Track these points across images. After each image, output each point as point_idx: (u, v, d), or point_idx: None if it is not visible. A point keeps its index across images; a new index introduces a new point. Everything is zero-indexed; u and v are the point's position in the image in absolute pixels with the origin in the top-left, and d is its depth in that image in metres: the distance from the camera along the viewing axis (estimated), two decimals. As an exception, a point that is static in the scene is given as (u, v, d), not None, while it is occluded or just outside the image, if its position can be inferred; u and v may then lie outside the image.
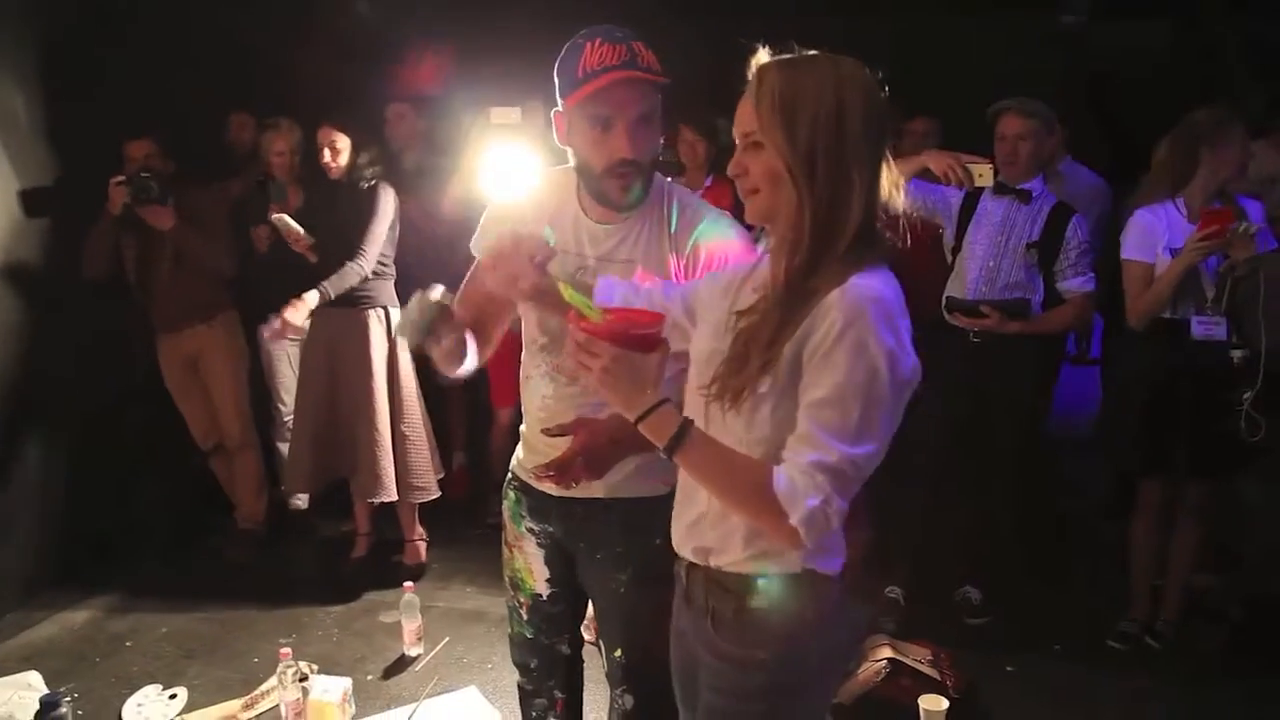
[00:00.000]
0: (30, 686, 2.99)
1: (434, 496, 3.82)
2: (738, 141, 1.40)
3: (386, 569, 3.82)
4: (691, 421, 1.34)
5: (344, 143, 3.61)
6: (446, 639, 3.35)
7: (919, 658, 2.92)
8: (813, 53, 1.38)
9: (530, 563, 1.97)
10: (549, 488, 1.81)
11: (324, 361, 3.70)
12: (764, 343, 1.34)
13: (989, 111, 3.20)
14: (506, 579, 2.04)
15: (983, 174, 3.12)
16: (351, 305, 3.62)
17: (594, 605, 1.95)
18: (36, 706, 2.66)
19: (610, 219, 1.77)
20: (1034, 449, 3.40)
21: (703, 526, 1.47)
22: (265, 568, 3.95)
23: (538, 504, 1.91)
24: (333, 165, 3.62)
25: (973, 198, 3.27)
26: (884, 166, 1.38)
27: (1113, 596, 3.39)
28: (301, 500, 4.32)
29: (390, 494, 3.69)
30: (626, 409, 1.34)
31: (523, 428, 1.96)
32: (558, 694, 2.07)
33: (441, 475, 3.88)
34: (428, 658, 3.26)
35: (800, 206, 1.33)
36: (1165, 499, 3.18)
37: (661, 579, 1.62)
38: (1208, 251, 2.85)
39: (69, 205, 3.70)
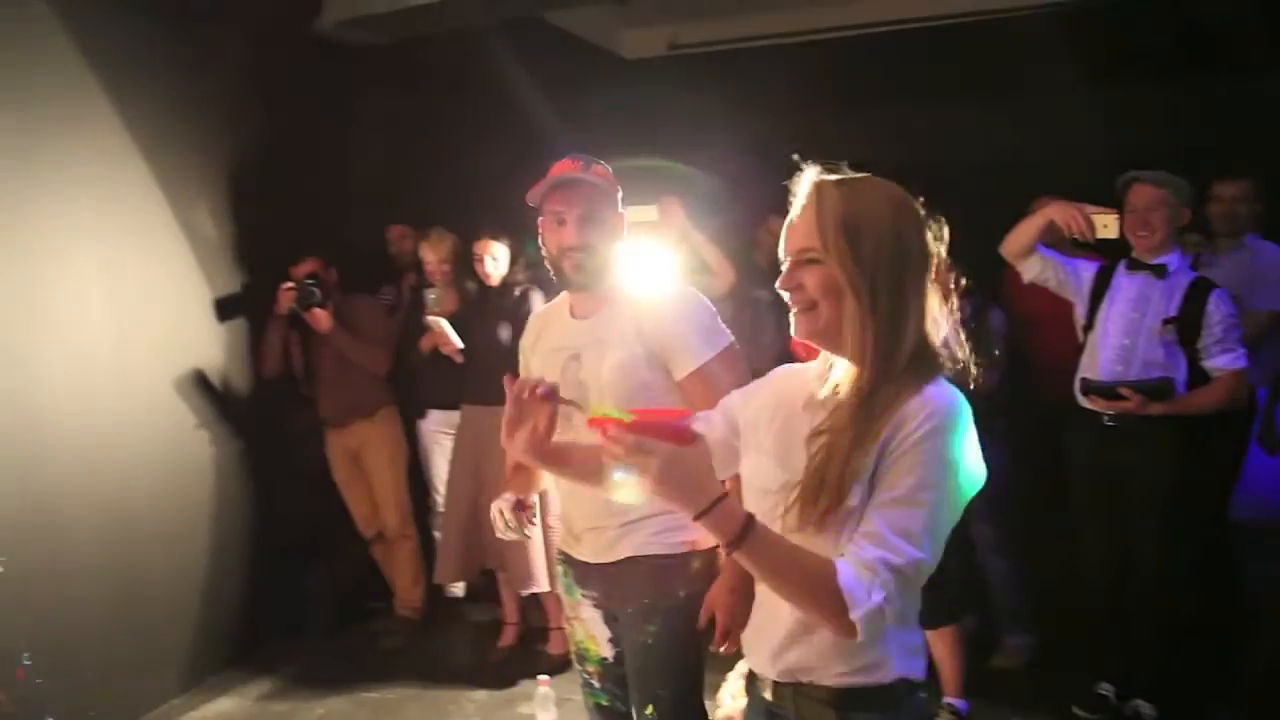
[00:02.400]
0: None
1: (579, 586, 3.86)
2: (787, 256, 1.42)
3: (536, 657, 3.88)
4: (753, 516, 1.31)
5: (500, 252, 3.82)
6: (582, 733, 3.36)
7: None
8: (862, 175, 1.42)
9: (591, 629, 2.07)
10: (584, 555, 2.04)
11: (470, 457, 3.86)
12: (842, 459, 1.34)
13: (1118, 183, 3.01)
14: (573, 655, 2.13)
15: (1107, 225, 2.94)
16: (495, 403, 3.75)
17: (628, 666, 1.99)
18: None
19: (587, 314, 2.12)
20: (1183, 539, 3.08)
21: (791, 646, 1.44)
22: (419, 653, 4.10)
23: (580, 572, 2.08)
24: (488, 275, 3.83)
25: (1105, 274, 3.10)
26: (932, 294, 1.41)
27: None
28: (457, 588, 4.48)
29: (542, 585, 3.75)
30: (687, 507, 1.30)
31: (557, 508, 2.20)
32: None
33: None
34: (560, 752, 3.27)
35: (864, 324, 1.36)
36: None
37: (688, 633, 1.70)
38: None
39: (253, 313, 4.09)
